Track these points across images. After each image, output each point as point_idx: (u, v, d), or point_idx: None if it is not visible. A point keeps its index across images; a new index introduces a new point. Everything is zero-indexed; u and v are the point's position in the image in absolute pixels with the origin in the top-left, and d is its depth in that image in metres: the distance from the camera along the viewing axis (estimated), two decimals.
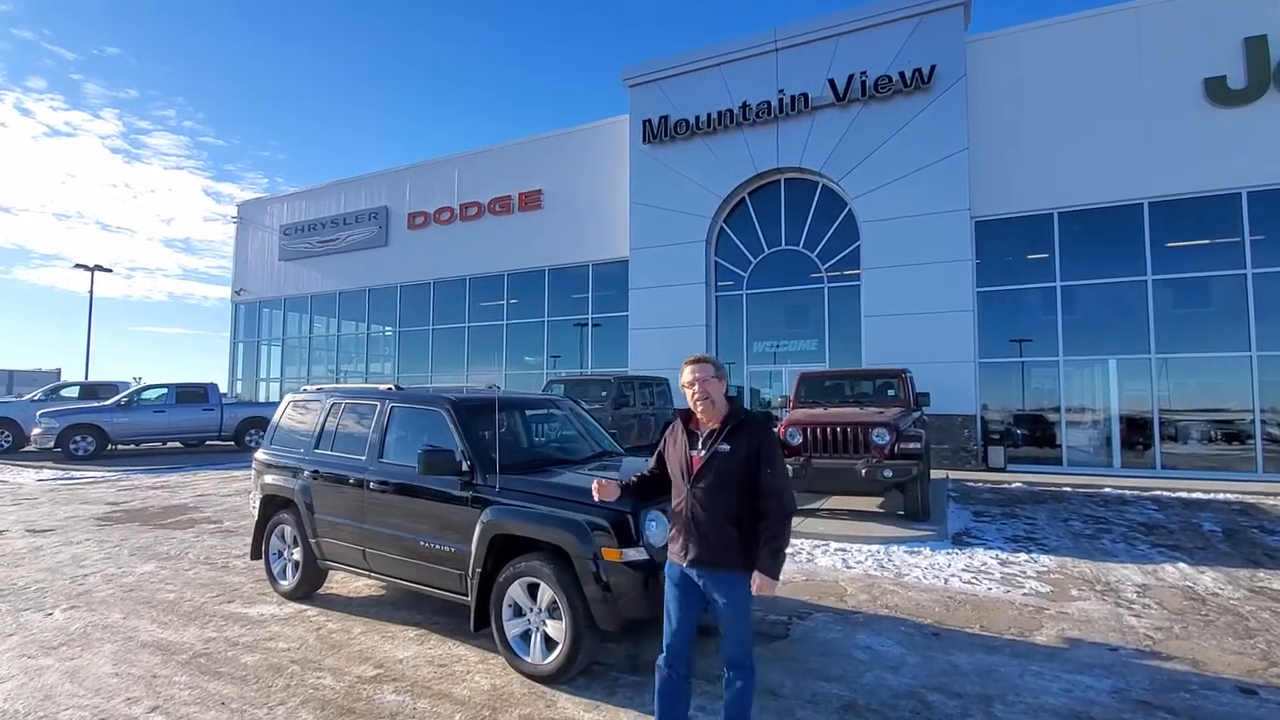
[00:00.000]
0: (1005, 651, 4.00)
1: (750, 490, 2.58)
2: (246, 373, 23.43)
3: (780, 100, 14.65)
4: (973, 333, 12.96)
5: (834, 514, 7.86)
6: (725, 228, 15.76)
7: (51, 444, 14.33)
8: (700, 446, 2.68)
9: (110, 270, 28.04)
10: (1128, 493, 9.93)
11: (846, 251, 14.47)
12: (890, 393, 8.85)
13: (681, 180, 15.70)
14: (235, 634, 4.41)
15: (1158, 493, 9.92)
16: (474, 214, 18.98)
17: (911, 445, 7.18)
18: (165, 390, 16.15)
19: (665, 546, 3.55)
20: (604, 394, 11.02)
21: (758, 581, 2.54)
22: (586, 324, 17.53)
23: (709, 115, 15.36)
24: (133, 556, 6.46)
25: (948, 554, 6.25)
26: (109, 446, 15.31)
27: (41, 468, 13.45)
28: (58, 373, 35.24)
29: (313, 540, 4.90)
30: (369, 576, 4.66)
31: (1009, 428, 13.28)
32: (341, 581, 5.48)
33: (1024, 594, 5.11)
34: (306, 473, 4.99)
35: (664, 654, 2.74)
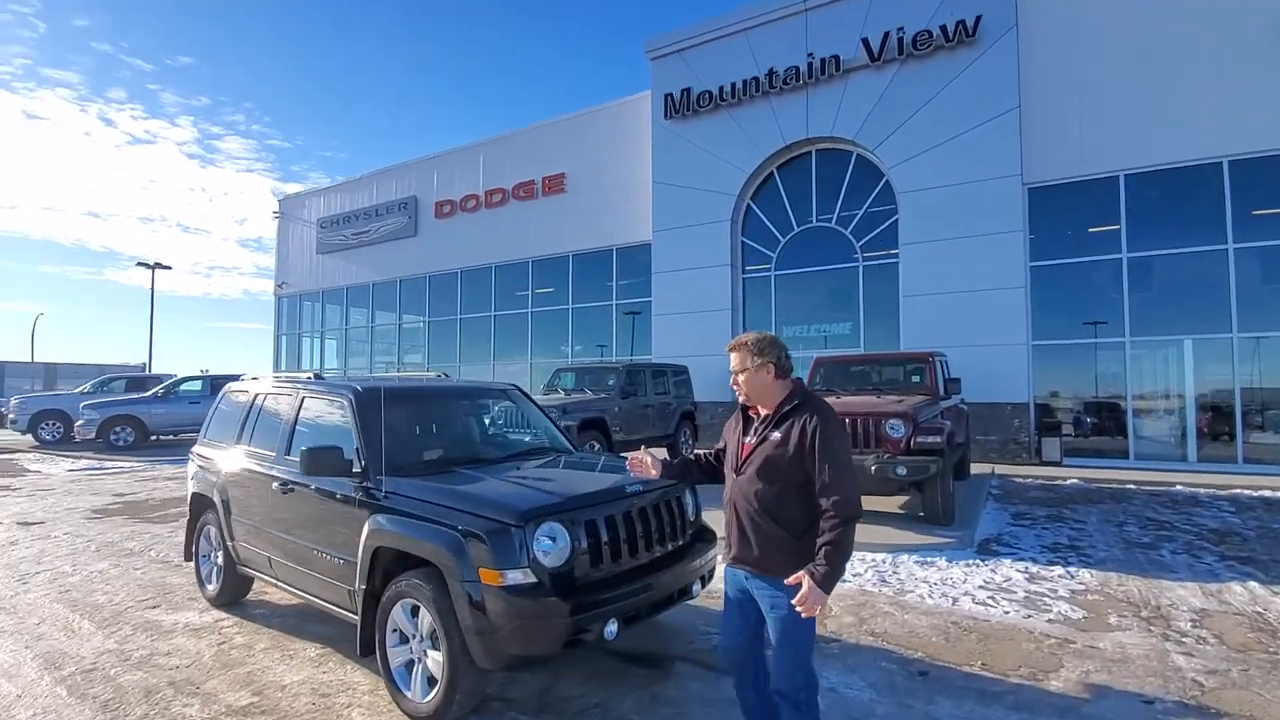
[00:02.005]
0: (1005, 702, 3.19)
1: (801, 487, 2.22)
2: (290, 365, 23.96)
3: (810, 64, 13.58)
4: (1025, 312, 11.68)
5: None
6: (752, 205, 14.84)
7: (93, 435, 14.80)
8: (753, 432, 2.39)
9: (169, 268, 29.31)
10: (1202, 491, 8.64)
11: (883, 226, 13.34)
12: (915, 379, 7.90)
13: (705, 156, 14.85)
14: (135, 646, 4.04)
15: (1237, 491, 8.59)
16: (499, 200, 18.63)
17: (930, 439, 6.28)
18: (201, 382, 16.52)
19: (565, 568, 2.95)
20: (610, 383, 10.41)
21: (803, 588, 2.10)
22: (612, 310, 16.93)
23: (733, 85, 14.43)
24: (96, 553, 6.28)
25: (966, 566, 5.37)
26: (150, 437, 15.78)
27: (80, 458, 13.90)
28: (143, 367, 37.35)
29: (230, 543, 4.49)
30: (280, 587, 4.21)
31: (1068, 417, 11.96)
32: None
33: (1049, 620, 4.23)
34: (225, 470, 4.59)
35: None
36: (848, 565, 4.76)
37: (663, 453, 2.98)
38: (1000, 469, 10.81)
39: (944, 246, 12.28)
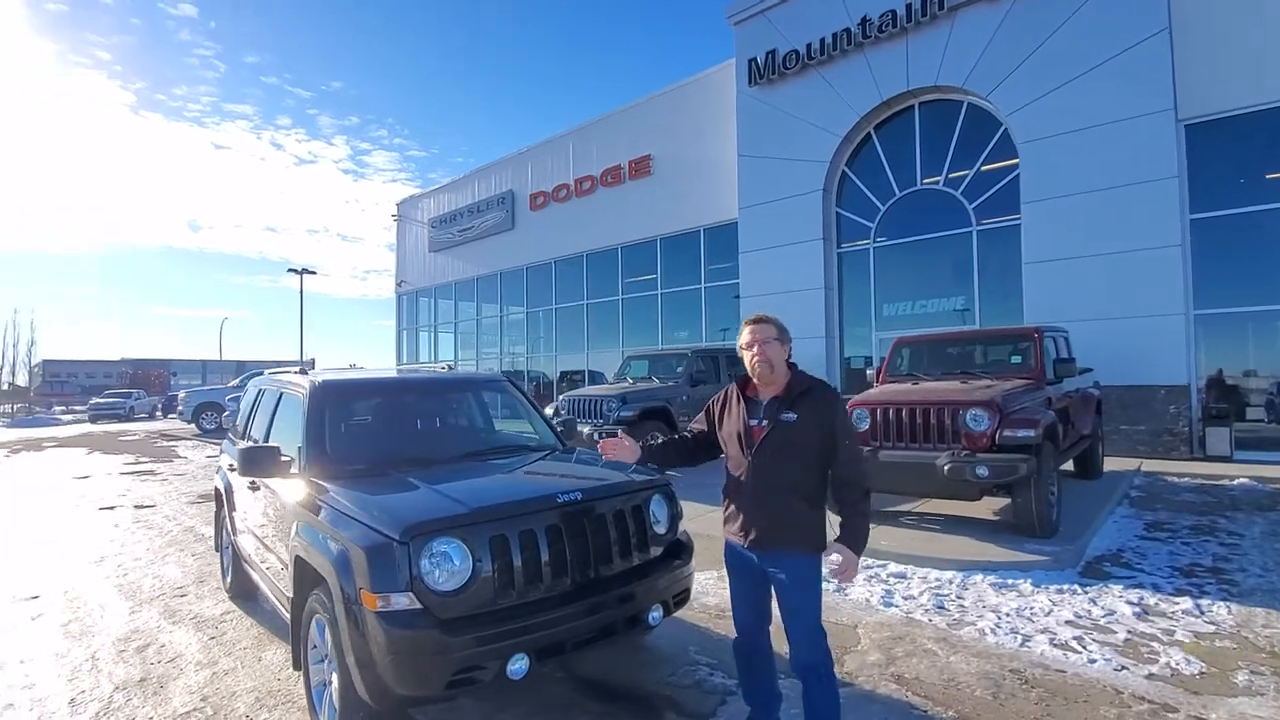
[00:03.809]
0: None
1: (818, 464, 2.35)
2: (409, 358, 25.57)
3: (909, 6, 12.03)
4: (1183, 275, 9.64)
5: (923, 520, 6.04)
6: (847, 172, 13.53)
7: None
8: (761, 416, 2.41)
9: (314, 273, 32.37)
10: None
11: (1001, 184, 11.61)
12: (1015, 360, 6.64)
13: (794, 123, 13.72)
14: (142, 633, 4.18)
15: None
16: (587, 188, 18.52)
17: (1022, 433, 5.16)
18: None
19: (462, 592, 2.52)
20: (679, 370, 9.84)
21: (839, 557, 2.26)
22: (701, 294, 16.28)
23: (822, 41, 13.17)
24: (172, 538, 6.76)
25: (1059, 592, 4.32)
26: None
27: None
28: (312, 362, 42.17)
29: (233, 539, 4.54)
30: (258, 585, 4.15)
31: (1243, 402, 9.76)
32: None
33: (1149, 675, 3.21)
34: (227, 466, 4.64)
35: (736, 635, 2.58)
36: (899, 586, 4.35)
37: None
38: (1149, 465, 9.02)
39: (1076, 202, 10.44)
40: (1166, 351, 9.69)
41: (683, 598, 3.22)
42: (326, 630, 2.74)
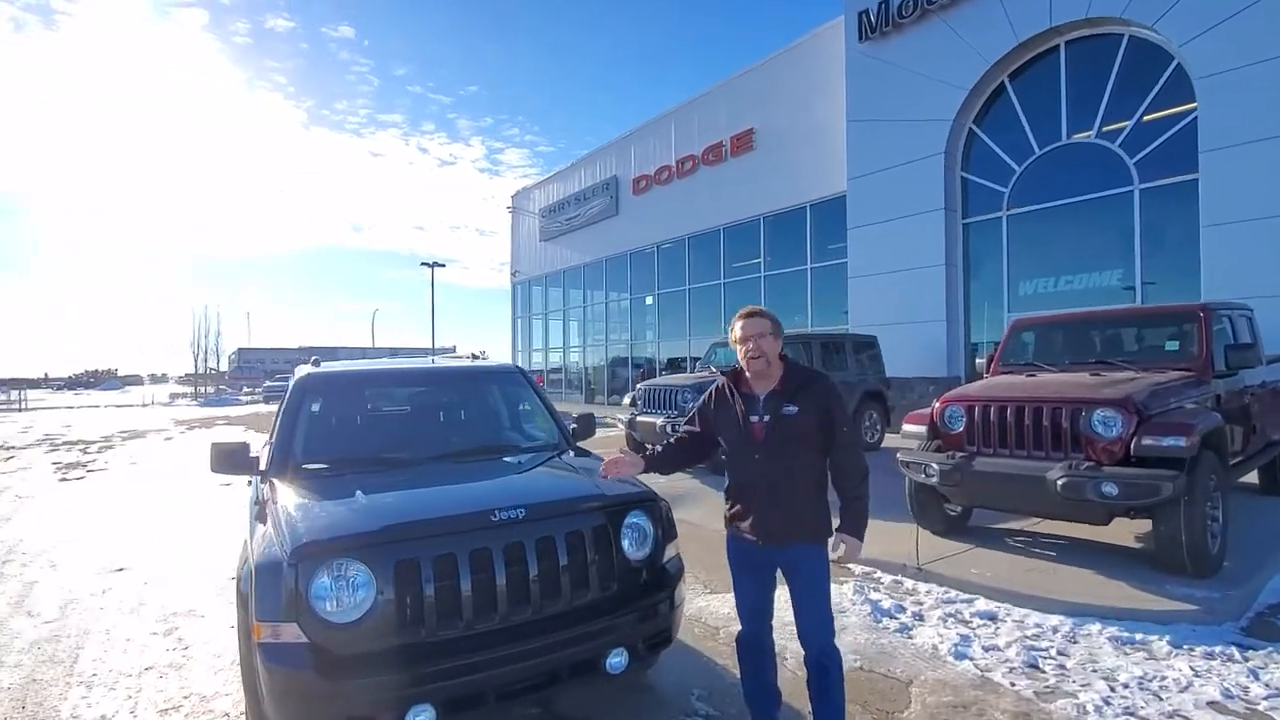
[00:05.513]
0: None
1: (821, 454, 2.33)
2: (523, 345, 26.38)
3: None
4: None
5: (1034, 543, 4.95)
6: (975, 130, 11.86)
7: None
8: (762, 411, 2.35)
9: (444, 265, 34.27)
10: None
11: (1173, 132, 9.62)
12: (1172, 347, 5.26)
13: (911, 79, 12.23)
14: (180, 615, 4.30)
15: None
16: (689, 169, 17.86)
17: (1167, 441, 3.99)
18: None
19: (357, 625, 2.15)
20: None
21: (843, 547, 2.31)
22: (806, 275, 15.15)
23: None
24: None
25: (1207, 656, 3.24)
26: None
27: None
28: (453, 349, 45.73)
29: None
30: None
31: None
32: None
33: None
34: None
35: (740, 629, 2.51)
36: (982, 631, 3.69)
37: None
38: None
39: (1273, 147, 8.34)
40: None
41: (660, 640, 2.66)
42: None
